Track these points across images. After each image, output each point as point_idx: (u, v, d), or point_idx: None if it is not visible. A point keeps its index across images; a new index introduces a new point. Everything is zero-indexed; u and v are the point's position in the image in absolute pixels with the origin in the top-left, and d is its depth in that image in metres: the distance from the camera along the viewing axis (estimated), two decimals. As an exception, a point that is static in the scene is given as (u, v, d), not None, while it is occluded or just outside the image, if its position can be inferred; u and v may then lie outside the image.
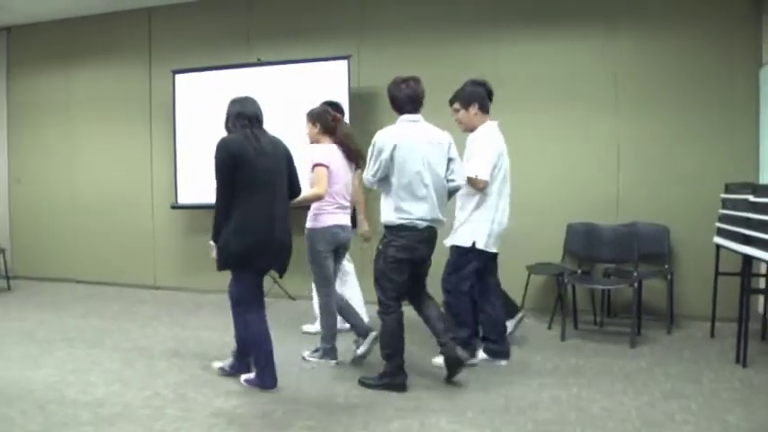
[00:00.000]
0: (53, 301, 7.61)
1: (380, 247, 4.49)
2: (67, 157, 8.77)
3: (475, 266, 4.89)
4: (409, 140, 4.39)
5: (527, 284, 6.44)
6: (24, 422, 3.94)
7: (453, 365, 4.49)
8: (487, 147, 4.82)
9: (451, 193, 4.61)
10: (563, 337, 5.69)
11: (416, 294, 4.62)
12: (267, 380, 4.47)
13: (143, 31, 8.41)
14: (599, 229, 6.12)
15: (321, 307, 5.16)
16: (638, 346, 5.45)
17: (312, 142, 5.20)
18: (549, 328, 6.09)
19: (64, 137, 8.86)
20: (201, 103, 7.56)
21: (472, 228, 4.86)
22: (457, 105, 5.03)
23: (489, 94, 5.06)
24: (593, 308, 6.36)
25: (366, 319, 5.33)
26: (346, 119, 6.34)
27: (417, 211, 4.36)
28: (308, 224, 5.05)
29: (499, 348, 5.00)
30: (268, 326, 4.52)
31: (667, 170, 6.40)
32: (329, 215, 5.02)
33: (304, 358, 5.14)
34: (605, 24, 6.55)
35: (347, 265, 5.82)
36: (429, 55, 6.96)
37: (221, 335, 5.90)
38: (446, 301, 4.94)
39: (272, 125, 7.00)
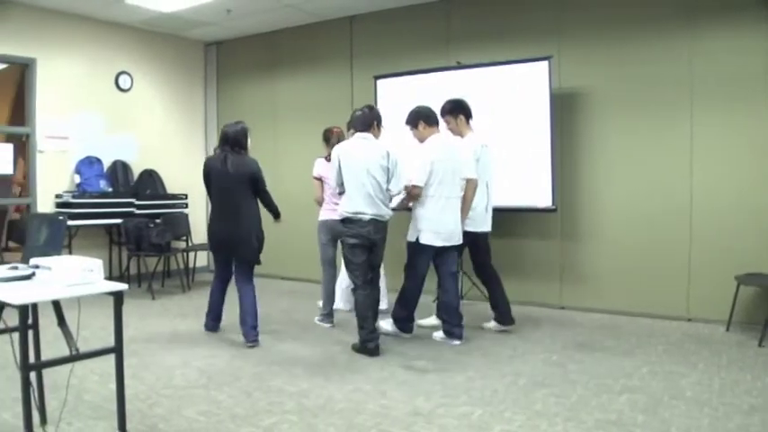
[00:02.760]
0: (258, 296, 7.91)
1: (343, 239, 5.61)
2: (273, 160, 9.13)
3: (423, 258, 5.73)
4: (353, 152, 5.53)
5: (735, 296, 5.99)
6: (231, 405, 4.15)
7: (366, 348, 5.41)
8: (422, 157, 5.69)
9: (392, 197, 5.69)
10: (777, 356, 5.22)
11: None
12: (208, 323, 6.21)
13: (345, 38, 8.69)
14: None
15: (324, 282, 6.52)
16: None
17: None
18: (760, 345, 5.58)
19: (270, 141, 9.30)
20: (403, 107, 7.62)
21: (416, 226, 5.71)
22: (410, 126, 5.95)
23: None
24: (811, 325, 5.79)
25: (384, 307, 6.56)
26: (547, 120, 6.67)
27: (359, 207, 5.45)
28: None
29: (452, 329, 5.75)
30: (221, 292, 6.14)
31: None
32: (326, 211, 6.43)
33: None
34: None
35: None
36: (629, 53, 6.67)
37: (419, 335, 5.97)
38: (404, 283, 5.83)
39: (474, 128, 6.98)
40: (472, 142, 6.01)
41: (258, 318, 5.82)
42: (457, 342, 5.69)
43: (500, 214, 7.27)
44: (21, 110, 8.73)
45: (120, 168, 9.09)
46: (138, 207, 8.60)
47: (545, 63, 6.74)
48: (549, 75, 6.72)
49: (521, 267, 7.35)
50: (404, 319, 5.86)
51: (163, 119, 9.56)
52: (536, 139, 6.82)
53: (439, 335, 5.84)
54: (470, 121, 6.18)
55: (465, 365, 4.97)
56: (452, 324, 5.75)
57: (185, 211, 9.24)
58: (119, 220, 8.46)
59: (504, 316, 6.11)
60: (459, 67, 7.31)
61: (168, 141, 9.68)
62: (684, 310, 6.53)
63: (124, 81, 9.26)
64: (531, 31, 7.21)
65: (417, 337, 5.85)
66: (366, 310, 5.45)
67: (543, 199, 6.81)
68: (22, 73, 8.56)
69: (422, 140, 5.87)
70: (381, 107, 7.65)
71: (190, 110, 10.14)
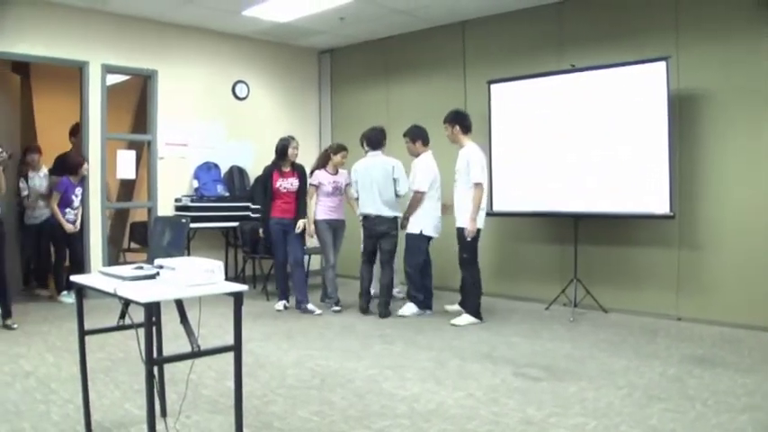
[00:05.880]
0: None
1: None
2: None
3: (424, 247, 7.25)
4: (366, 167, 7.33)
5: None
6: (345, 407, 4.21)
7: (382, 315, 7.14)
8: (427, 169, 7.16)
9: (398, 197, 7.26)
10: None
11: (381, 261, 7.34)
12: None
13: (457, 43, 8.69)
14: None
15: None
16: None
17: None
18: None
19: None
20: (516, 111, 7.58)
21: (418, 221, 7.18)
22: (407, 139, 7.40)
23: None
24: None
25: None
26: (665, 123, 6.54)
27: (366, 208, 7.29)
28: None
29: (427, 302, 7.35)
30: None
31: None
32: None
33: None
34: None
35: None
36: (753, 51, 6.34)
37: (532, 342, 5.92)
38: (407, 273, 7.29)
39: (585, 131, 6.90)
40: (476, 151, 6.82)
41: (293, 289, 7.54)
42: (429, 311, 7.29)
43: (613, 220, 7.11)
44: (142, 118, 9.13)
45: (236, 174, 9.39)
46: (254, 211, 8.81)
47: (662, 63, 6.52)
48: (666, 76, 6.50)
49: (634, 276, 7.16)
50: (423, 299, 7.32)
51: (278, 126, 9.75)
52: (653, 143, 6.62)
53: (411, 309, 7.21)
54: (468, 134, 6.96)
55: (578, 375, 4.87)
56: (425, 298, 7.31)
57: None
58: (235, 224, 8.78)
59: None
60: (574, 70, 7.17)
61: (283, 148, 9.89)
62: (811, 325, 6.20)
63: (241, 90, 9.57)
64: (647, 31, 6.99)
65: (527, 344, 5.81)
66: (364, 280, 7.40)
67: (660, 205, 6.59)
68: (143, 83, 8.95)
69: (414, 155, 7.35)
70: (495, 112, 7.72)
71: (304, 117, 10.38)
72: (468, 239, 6.70)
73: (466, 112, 7.11)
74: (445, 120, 6.99)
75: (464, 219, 6.72)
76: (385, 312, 7.12)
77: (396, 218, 7.23)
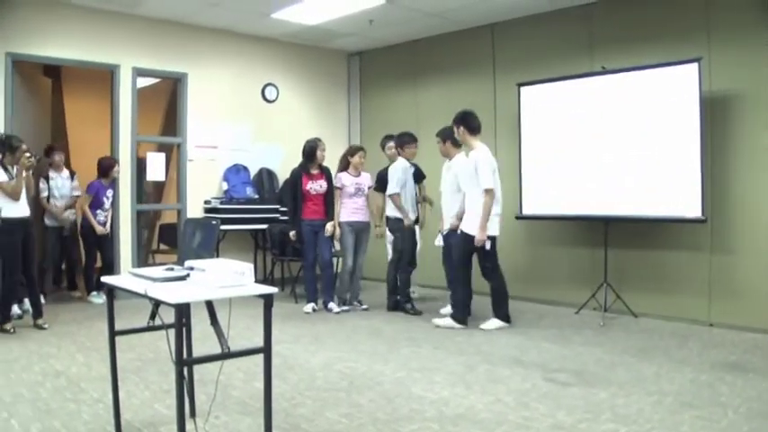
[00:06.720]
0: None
1: None
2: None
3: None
4: None
5: None
6: (373, 410, 4.20)
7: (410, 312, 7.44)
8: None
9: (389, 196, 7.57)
10: None
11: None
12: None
13: (486, 46, 8.66)
14: None
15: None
16: None
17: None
18: None
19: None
20: (546, 113, 7.53)
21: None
22: (438, 139, 7.30)
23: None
24: None
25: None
26: (696, 126, 6.45)
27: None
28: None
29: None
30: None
31: None
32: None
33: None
34: None
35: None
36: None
37: (562, 347, 5.87)
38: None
39: (616, 135, 6.83)
40: (485, 155, 6.61)
41: (321, 291, 7.69)
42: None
43: (643, 224, 7.04)
44: (172, 121, 9.19)
45: (265, 176, 9.43)
46: (283, 213, 8.84)
47: (694, 65, 6.44)
48: (698, 77, 6.42)
49: (665, 280, 7.07)
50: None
51: (307, 128, 9.73)
52: (685, 146, 6.54)
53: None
54: (476, 135, 6.75)
55: (608, 381, 4.82)
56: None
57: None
58: (264, 226, 8.81)
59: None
60: (605, 72, 7.11)
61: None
62: None
63: (270, 92, 9.62)
64: (679, 33, 6.90)
65: (557, 349, 5.77)
66: (389, 280, 7.69)
67: (692, 209, 6.51)
68: (173, 86, 9.01)
69: (445, 155, 7.29)
70: (525, 114, 7.72)
71: (333, 119, 10.40)
72: (487, 248, 6.53)
73: (473, 112, 6.88)
74: (453, 121, 6.88)
75: (472, 225, 6.57)
76: (390, 305, 7.67)
77: (389, 217, 7.66)
